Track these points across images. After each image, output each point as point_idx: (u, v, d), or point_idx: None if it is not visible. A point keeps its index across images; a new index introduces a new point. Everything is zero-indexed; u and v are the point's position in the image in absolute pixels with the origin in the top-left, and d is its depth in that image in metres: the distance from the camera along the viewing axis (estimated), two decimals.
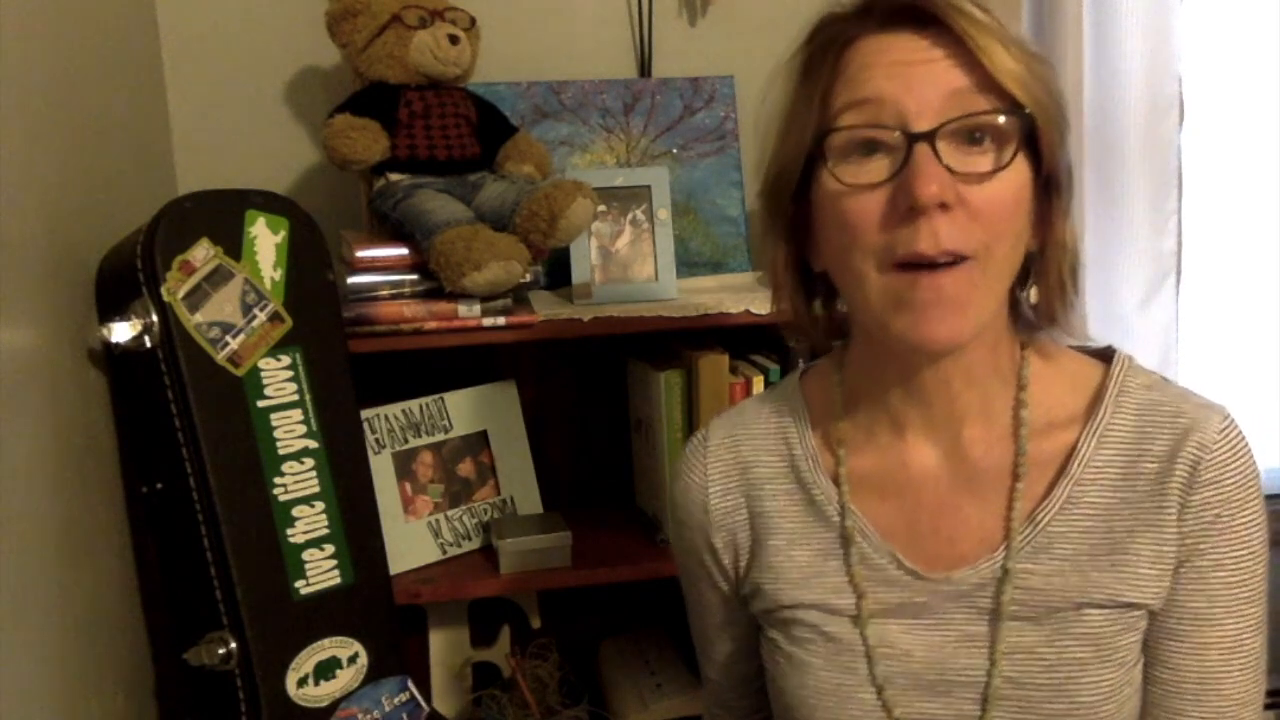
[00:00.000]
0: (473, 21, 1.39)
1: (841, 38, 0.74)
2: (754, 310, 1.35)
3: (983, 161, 0.70)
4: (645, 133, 1.56)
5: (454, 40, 1.34)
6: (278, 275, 1.14)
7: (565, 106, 1.55)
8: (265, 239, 1.14)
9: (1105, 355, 0.82)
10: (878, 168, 0.71)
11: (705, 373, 1.38)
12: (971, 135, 0.70)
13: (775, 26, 1.63)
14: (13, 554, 0.85)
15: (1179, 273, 1.60)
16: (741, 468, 0.86)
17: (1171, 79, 1.55)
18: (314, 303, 1.16)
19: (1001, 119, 0.70)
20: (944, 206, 0.69)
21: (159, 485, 1.13)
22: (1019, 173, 0.71)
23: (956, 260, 0.70)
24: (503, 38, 1.52)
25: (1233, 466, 0.75)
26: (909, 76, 0.70)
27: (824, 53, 0.74)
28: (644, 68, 1.61)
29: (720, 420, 0.90)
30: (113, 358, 1.10)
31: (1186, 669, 0.77)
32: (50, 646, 0.92)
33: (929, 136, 0.69)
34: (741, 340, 1.45)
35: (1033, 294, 0.78)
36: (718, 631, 0.92)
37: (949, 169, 0.69)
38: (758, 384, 1.41)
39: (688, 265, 1.54)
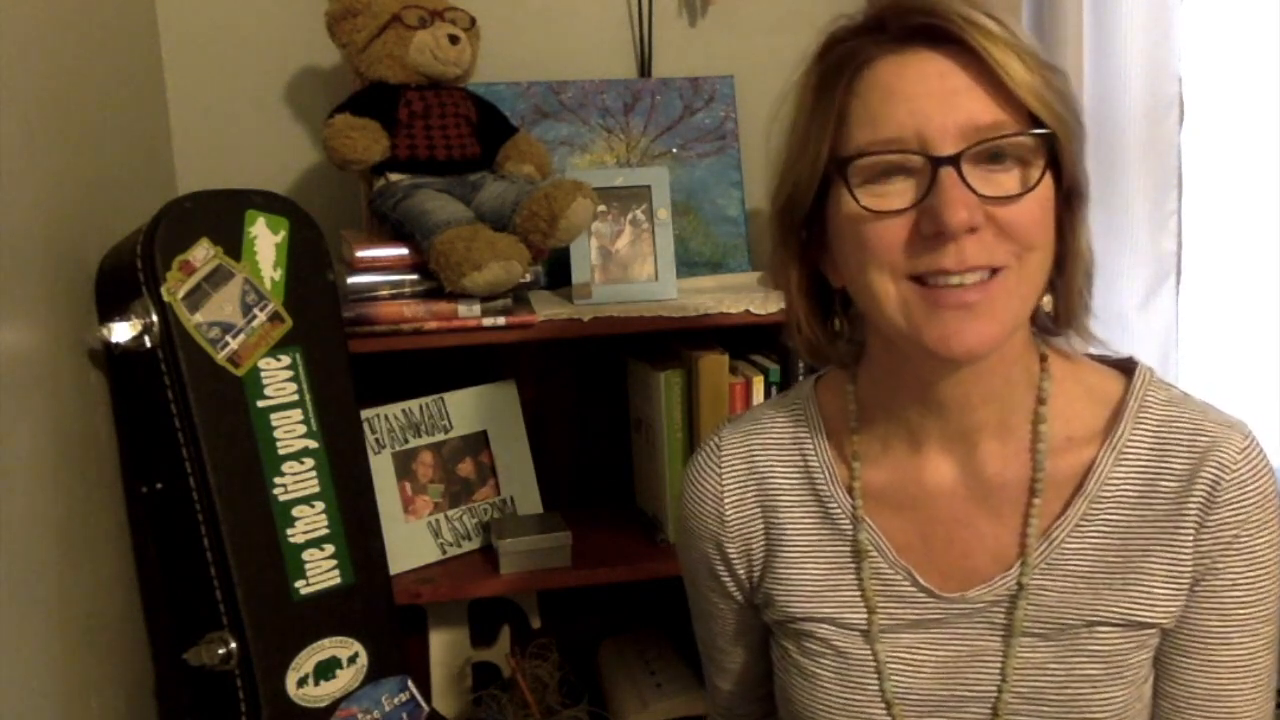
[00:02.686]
0: (473, 21, 1.39)
1: (857, 58, 0.72)
2: (754, 310, 1.35)
3: (1008, 181, 0.69)
4: (645, 133, 1.56)
5: (454, 40, 1.34)
6: (278, 275, 1.14)
7: (565, 106, 1.55)
8: (265, 239, 1.13)
9: (1125, 367, 0.81)
10: (900, 191, 0.70)
11: (705, 373, 1.37)
12: (994, 155, 0.69)
13: (775, 26, 1.63)
14: (13, 554, 0.85)
15: (1179, 273, 1.60)
16: (757, 478, 0.85)
17: (1171, 79, 1.54)
18: (314, 303, 1.16)
19: (1025, 139, 0.69)
20: (971, 230, 0.68)
21: (159, 485, 1.13)
22: (1044, 188, 0.71)
23: (991, 272, 0.69)
24: (503, 38, 1.52)
25: (1253, 486, 0.74)
26: (929, 110, 0.69)
27: (838, 72, 0.72)
28: (644, 68, 1.61)
29: (733, 428, 0.88)
30: (113, 358, 1.10)
31: (1197, 686, 0.77)
32: (50, 646, 0.92)
33: (954, 160, 0.68)
34: (741, 340, 1.45)
35: (1045, 302, 0.77)
36: (730, 642, 0.91)
37: (975, 192, 0.68)
38: (758, 384, 1.41)
39: (688, 265, 1.54)
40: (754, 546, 0.85)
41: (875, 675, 0.79)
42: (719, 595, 0.89)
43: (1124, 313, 1.60)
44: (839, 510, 0.82)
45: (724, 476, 0.86)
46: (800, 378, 1.38)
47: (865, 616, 0.80)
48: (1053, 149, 0.71)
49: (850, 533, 0.81)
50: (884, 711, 0.79)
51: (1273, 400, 1.65)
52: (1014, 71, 0.68)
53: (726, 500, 0.86)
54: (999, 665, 0.77)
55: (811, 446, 0.84)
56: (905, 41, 0.71)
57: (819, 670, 0.82)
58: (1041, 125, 0.70)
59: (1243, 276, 1.69)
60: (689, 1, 1.62)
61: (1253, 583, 0.75)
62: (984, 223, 0.68)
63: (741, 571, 0.86)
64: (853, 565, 0.81)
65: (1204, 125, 1.60)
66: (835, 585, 0.82)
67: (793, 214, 0.77)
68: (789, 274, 0.80)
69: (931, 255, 0.68)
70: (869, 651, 0.80)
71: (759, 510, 0.85)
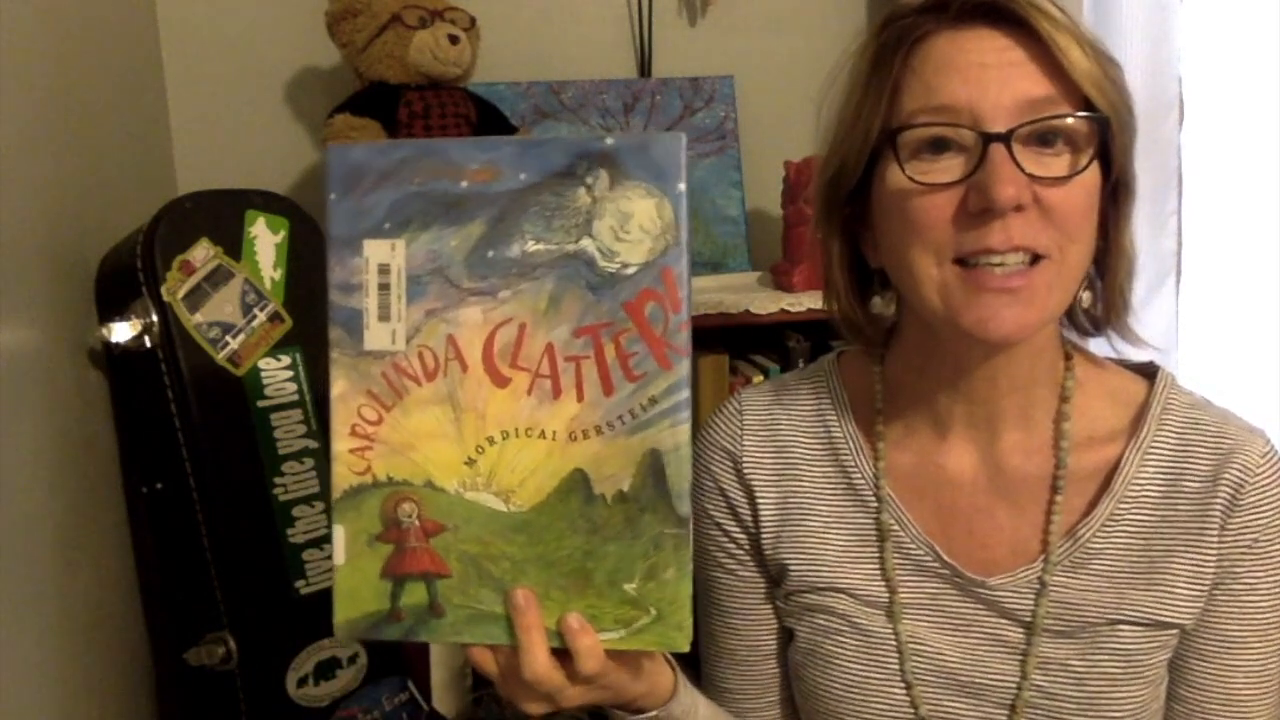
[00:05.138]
0: (473, 21, 1.39)
1: (915, 32, 0.72)
2: (754, 310, 1.35)
3: (1057, 164, 0.69)
4: (646, 132, 1.57)
5: (454, 40, 1.34)
6: (278, 275, 1.14)
7: (565, 106, 1.55)
8: (265, 239, 1.14)
9: (1147, 371, 0.81)
10: (949, 167, 0.69)
11: (705, 373, 1.37)
12: (1045, 137, 0.69)
13: (775, 26, 1.63)
14: (13, 554, 0.85)
15: (1179, 273, 1.60)
16: (777, 446, 0.85)
17: (1171, 79, 1.54)
18: (314, 303, 1.16)
19: (1078, 123, 0.69)
20: (1018, 208, 0.68)
21: (159, 485, 1.13)
22: (1092, 176, 0.70)
23: (1034, 259, 0.69)
24: (503, 38, 1.52)
25: (1274, 492, 0.75)
26: (985, 82, 0.69)
27: (896, 46, 0.72)
28: (644, 68, 1.61)
29: (754, 395, 0.87)
30: (113, 358, 1.10)
31: (1211, 690, 0.77)
32: (50, 646, 0.92)
33: (1005, 138, 0.67)
34: (741, 340, 1.45)
35: (1084, 299, 0.77)
36: (738, 617, 0.88)
37: (1024, 171, 0.68)
38: (757, 384, 1.41)
39: (691, 258, 1.54)
40: (763, 511, 0.84)
41: (896, 655, 0.79)
42: (725, 555, 0.87)
43: None
44: (863, 483, 0.82)
45: (745, 439, 0.85)
46: None
47: (886, 594, 0.80)
48: (1104, 138, 0.70)
49: (874, 507, 0.81)
50: (904, 692, 0.79)
51: (1273, 400, 1.65)
52: (1073, 56, 0.68)
53: (745, 461, 0.85)
54: (1019, 658, 0.77)
55: (836, 420, 0.84)
56: (966, 20, 0.71)
57: (837, 649, 0.81)
58: (1097, 114, 0.70)
59: (1243, 276, 1.69)
60: (689, 1, 1.62)
61: (1271, 588, 0.76)
62: (1030, 203, 0.68)
63: (751, 529, 0.85)
64: (875, 542, 0.81)
65: (1204, 125, 1.60)
66: (856, 559, 0.81)
67: (839, 188, 0.76)
68: (831, 248, 0.80)
69: (977, 233, 0.68)
70: (891, 630, 0.80)
71: (775, 477, 0.84)
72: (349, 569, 0.64)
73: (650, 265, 0.61)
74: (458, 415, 0.63)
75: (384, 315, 0.63)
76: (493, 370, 0.62)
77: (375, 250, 0.63)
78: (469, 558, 0.64)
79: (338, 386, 0.64)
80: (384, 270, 0.63)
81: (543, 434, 0.62)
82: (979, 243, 0.68)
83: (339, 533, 0.64)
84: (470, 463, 0.63)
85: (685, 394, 0.61)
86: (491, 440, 0.63)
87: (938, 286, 0.71)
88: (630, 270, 0.61)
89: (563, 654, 0.64)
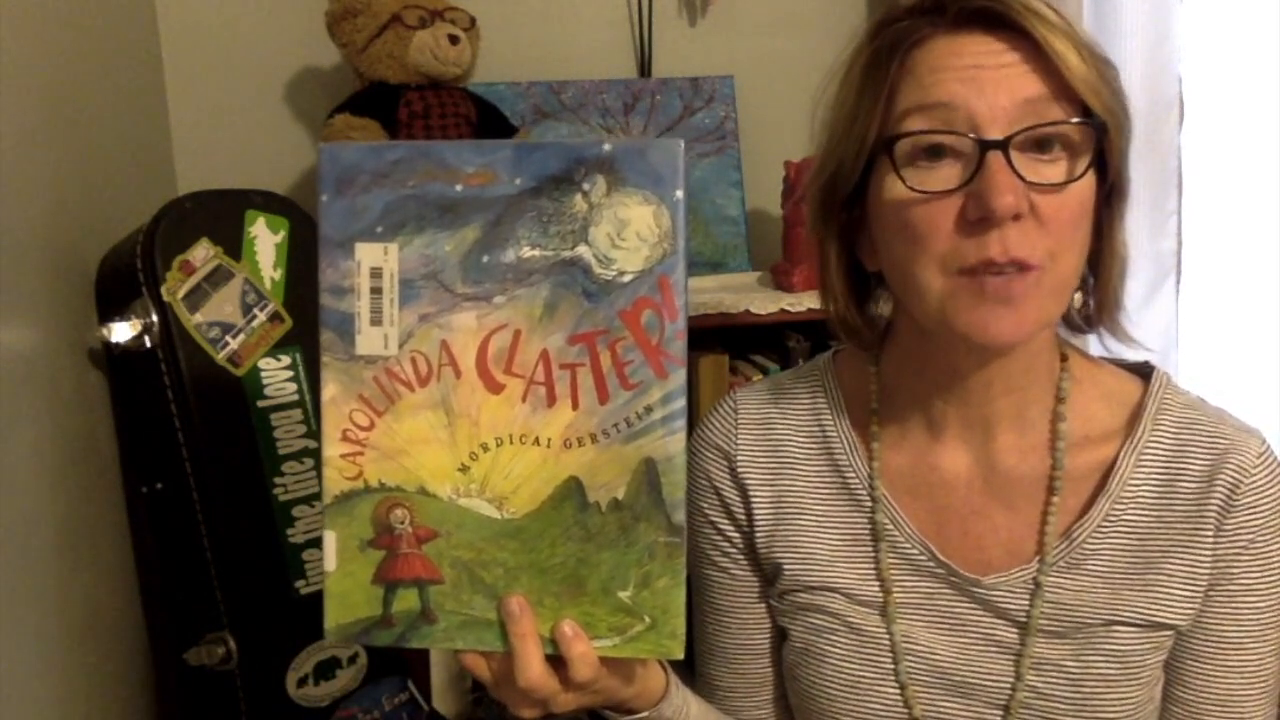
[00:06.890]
0: (473, 21, 1.39)
1: (911, 37, 0.71)
2: (754, 310, 1.35)
3: (1053, 170, 0.69)
4: (645, 133, 1.57)
5: (454, 40, 1.34)
6: (278, 275, 1.14)
7: (565, 106, 1.55)
8: (265, 239, 1.14)
9: (1142, 371, 0.81)
10: (946, 174, 0.69)
11: (705, 373, 1.37)
12: (1042, 142, 0.69)
13: (775, 26, 1.63)
14: (13, 554, 0.85)
15: (1179, 273, 1.60)
16: (772, 445, 0.85)
17: (1171, 79, 1.54)
18: (314, 303, 1.16)
19: (1075, 129, 0.69)
20: (1016, 217, 0.67)
21: (159, 485, 1.13)
22: (1087, 184, 0.70)
23: (1023, 269, 0.69)
24: (503, 38, 1.52)
25: (1270, 492, 0.75)
26: (981, 82, 0.68)
27: (891, 50, 0.71)
28: (644, 68, 1.61)
29: (750, 394, 0.88)
30: (113, 358, 1.10)
31: (1208, 691, 0.77)
32: (50, 646, 0.92)
33: (1003, 145, 0.67)
34: (741, 340, 1.45)
35: (1077, 299, 0.77)
36: (731, 615, 0.89)
37: (1022, 178, 0.67)
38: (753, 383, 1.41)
39: (688, 265, 1.54)
40: (756, 511, 0.84)
41: (890, 654, 0.79)
42: (719, 554, 0.87)
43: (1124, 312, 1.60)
44: (858, 483, 0.82)
45: (740, 437, 0.85)
46: None
47: (880, 594, 0.80)
48: (1100, 143, 0.70)
49: (869, 508, 0.81)
50: (897, 692, 0.79)
51: (1273, 400, 1.65)
52: (1070, 61, 0.68)
53: (740, 459, 0.85)
54: (1014, 659, 0.77)
55: (831, 420, 0.84)
56: (962, 25, 0.70)
57: (830, 648, 0.81)
58: (1094, 119, 0.69)
59: (1243, 276, 1.69)
60: (689, 1, 1.62)
61: (1267, 589, 0.76)
62: (1027, 211, 0.68)
63: (745, 528, 0.85)
64: (870, 542, 0.81)
65: (1204, 125, 1.60)
66: (850, 559, 0.81)
67: (835, 193, 0.76)
68: (828, 253, 0.79)
69: (977, 241, 0.68)
70: (885, 630, 0.80)
71: (770, 476, 0.84)
72: (340, 574, 0.64)
73: (647, 273, 0.61)
74: (451, 421, 0.62)
75: (376, 319, 0.63)
76: (487, 376, 0.62)
77: (367, 253, 0.63)
78: (462, 564, 0.64)
79: (329, 391, 0.63)
80: (376, 274, 0.62)
81: (537, 441, 0.62)
82: (981, 253, 0.68)
83: (330, 538, 0.64)
84: (463, 469, 0.63)
85: (681, 403, 0.61)
86: (485, 447, 0.62)
87: (938, 296, 0.70)
88: (627, 278, 0.61)
89: (556, 660, 0.64)
